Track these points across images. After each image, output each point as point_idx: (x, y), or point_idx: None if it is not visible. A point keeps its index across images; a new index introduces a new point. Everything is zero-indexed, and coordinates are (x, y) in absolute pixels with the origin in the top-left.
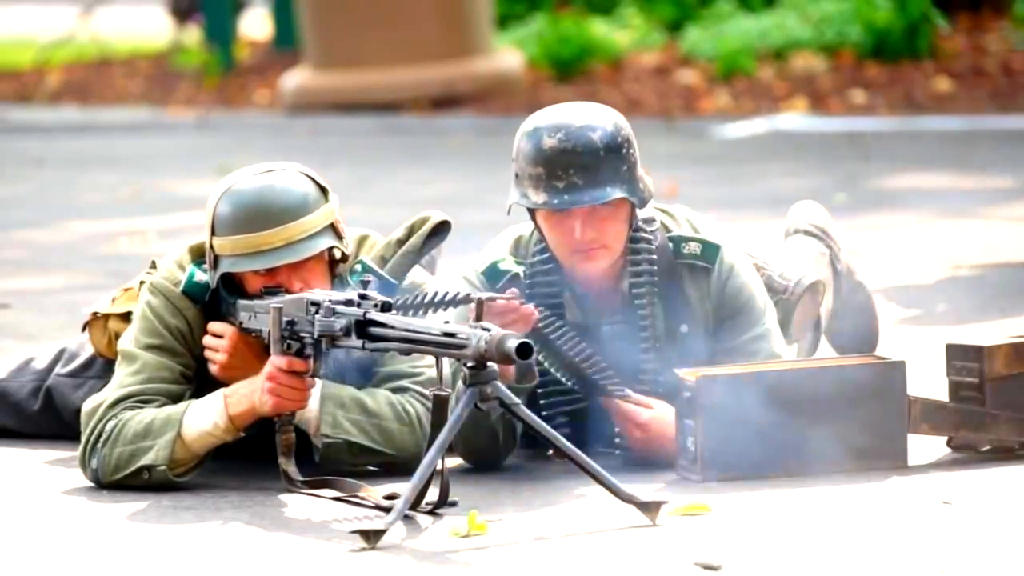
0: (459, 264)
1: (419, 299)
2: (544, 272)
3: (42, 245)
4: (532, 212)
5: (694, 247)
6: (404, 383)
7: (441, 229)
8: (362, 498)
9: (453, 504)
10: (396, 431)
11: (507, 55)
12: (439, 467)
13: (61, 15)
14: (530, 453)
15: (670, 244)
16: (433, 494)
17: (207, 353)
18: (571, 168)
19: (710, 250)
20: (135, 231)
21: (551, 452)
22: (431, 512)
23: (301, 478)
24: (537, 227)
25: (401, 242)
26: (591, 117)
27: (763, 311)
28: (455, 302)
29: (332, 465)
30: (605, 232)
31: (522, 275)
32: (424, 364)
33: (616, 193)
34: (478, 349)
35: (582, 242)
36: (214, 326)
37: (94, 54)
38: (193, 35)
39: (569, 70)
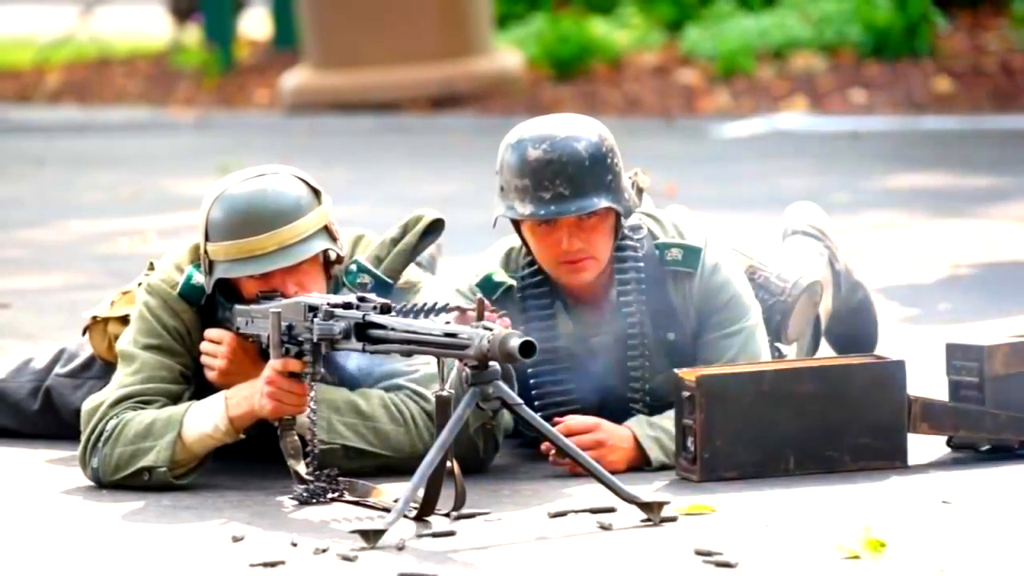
0: (460, 264)
1: (415, 308)
2: (534, 285)
3: (42, 245)
4: (518, 225)
5: (676, 253)
6: (399, 381)
7: (435, 227)
8: (375, 501)
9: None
10: (391, 432)
11: (507, 55)
12: (455, 469)
13: (61, 15)
14: (530, 453)
15: (656, 252)
16: (447, 497)
17: (204, 360)
18: (557, 179)
19: (691, 255)
20: (135, 231)
21: (553, 453)
22: (459, 518)
23: (312, 480)
24: (523, 240)
25: (395, 241)
26: (575, 128)
27: (747, 309)
28: (448, 310)
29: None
30: (592, 242)
31: (515, 287)
32: (419, 361)
33: (602, 202)
34: (480, 349)
35: (569, 253)
36: (211, 333)
37: (94, 54)
38: (193, 35)
39: (569, 70)
